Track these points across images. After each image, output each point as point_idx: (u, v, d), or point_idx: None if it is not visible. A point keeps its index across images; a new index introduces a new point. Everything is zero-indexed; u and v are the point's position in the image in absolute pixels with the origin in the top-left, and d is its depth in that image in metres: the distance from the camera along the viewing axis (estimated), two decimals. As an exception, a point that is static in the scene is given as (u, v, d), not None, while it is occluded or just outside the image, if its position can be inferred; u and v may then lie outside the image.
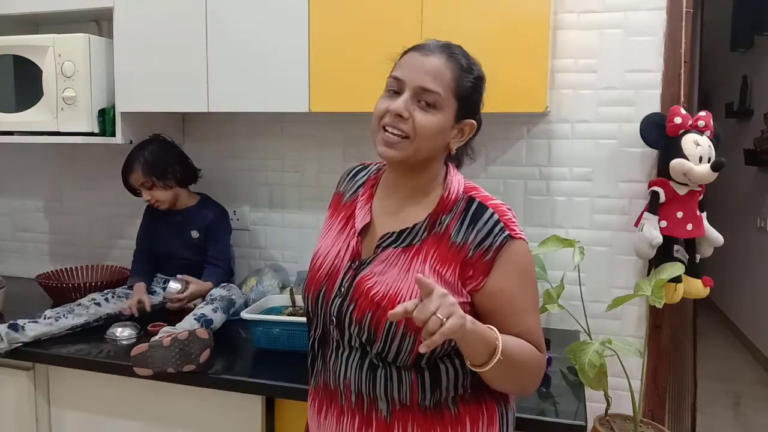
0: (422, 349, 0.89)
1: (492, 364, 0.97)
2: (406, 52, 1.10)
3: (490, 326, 1.00)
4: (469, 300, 1.05)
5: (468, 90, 1.08)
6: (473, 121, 1.11)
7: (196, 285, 1.92)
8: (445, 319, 0.88)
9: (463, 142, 1.12)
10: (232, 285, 1.99)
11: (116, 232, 2.44)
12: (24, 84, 2.00)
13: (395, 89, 1.06)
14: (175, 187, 2.01)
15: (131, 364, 1.56)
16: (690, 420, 2.12)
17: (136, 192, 2.02)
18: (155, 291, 2.06)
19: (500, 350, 0.97)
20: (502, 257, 1.04)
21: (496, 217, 1.06)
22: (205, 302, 1.85)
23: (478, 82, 1.10)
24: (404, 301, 1.01)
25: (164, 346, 1.54)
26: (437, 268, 1.05)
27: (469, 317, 0.95)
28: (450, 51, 1.08)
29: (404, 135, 1.04)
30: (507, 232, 1.05)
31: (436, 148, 1.08)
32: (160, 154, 1.98)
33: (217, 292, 1.90)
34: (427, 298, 0.89)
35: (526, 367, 1.05)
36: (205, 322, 1.74)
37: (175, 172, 1.99)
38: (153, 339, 1.59)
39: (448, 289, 1.02)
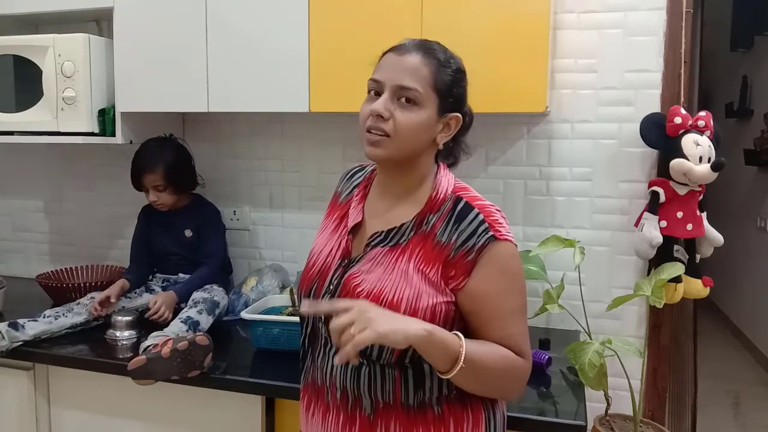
0: (336, 360, 0.94)
1: (455, 371, 0.98)
2: (384, 54, 1.11)
3: (456, 333, 1.01)
4: (453, 299, 1.05)
5: (447, 83, 1.08)
6: (459, 115, 1.11)
7: (162, 297, 1.87)
8: (357, 333, 0.90)
9: (450, 136, 1.12)
10: (213, 286, 1.97)
11: (116, 232, 2.44)
12: (24, 84, 2.00)
13: (376, 90, 1.07)
14: (180, 193, 2.03)
15: (131, 378, 1.52)
16: (690, 420, 2.12)
17: (140, 188, 2.01)
18: (154, 290, 2.05)
19: (463, 358, 0.97)
20: (485, 258, 1.04)
21: (481, 217, 1.06)
22: (188, 306, 1.86)
23: (458, 75, 1.10)
24: (386, 299, 1.03)
25: (164, 358, 1.52)
26: (421, 267, 1.06)
27: (429, 326, 0.97)
28: (426, 48, 1.08)
29: (385, 134, 1.05)
30: (491, 233, 1.04)
31: (420, 144, 1.08)
32: (181, 162, 2.01)
33: (198, 295, 1.90)
34: (343, 313, 0.93)
35: (499, 373, 1.04)
36: (192, 324, 1.74)
37: (189, 181, 2.03)
38: (148, 351, 1.56)
39: (432, 288, 1.04)
